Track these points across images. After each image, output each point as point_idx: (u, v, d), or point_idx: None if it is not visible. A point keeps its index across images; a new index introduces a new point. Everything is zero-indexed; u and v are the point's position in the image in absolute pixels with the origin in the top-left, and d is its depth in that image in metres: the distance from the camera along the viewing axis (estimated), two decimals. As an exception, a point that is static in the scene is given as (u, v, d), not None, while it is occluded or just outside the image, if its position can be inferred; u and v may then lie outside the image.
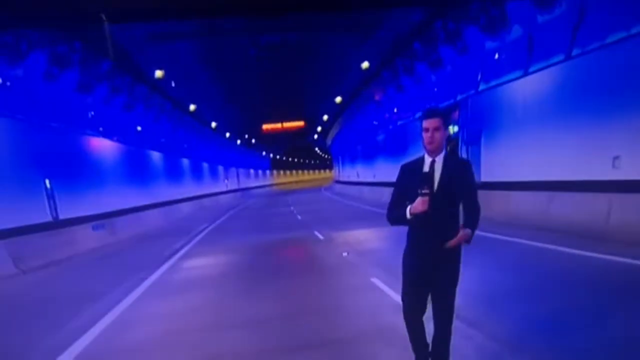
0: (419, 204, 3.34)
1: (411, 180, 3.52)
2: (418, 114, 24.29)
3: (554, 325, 5.14)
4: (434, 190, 3.42)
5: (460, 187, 3.48)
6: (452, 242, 3.38)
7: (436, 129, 3.44)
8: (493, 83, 16.38)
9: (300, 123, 49.46)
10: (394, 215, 3.68)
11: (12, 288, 10.62)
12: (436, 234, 3.44)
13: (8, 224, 12.66)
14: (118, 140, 23.46)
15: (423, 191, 3.31)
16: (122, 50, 19.39)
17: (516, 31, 14.64)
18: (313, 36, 23.07)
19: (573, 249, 8.90)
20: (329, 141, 62.71)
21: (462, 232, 3.40)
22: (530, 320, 5.32)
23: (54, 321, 7.21)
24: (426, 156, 3.57)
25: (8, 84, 14.73)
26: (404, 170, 3.72)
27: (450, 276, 3.58)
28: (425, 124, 3.47)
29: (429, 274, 3.56)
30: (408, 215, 3.45)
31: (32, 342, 6.30)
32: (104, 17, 10.28)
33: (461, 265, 3.63)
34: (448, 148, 3.92)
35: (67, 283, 10.80)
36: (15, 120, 14.87)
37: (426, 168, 3.51)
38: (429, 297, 3.69)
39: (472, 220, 3.53)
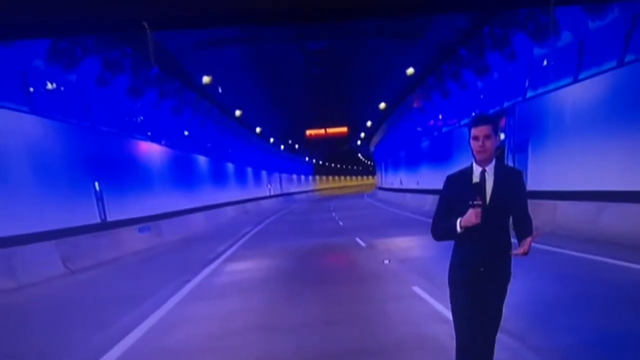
0: (471, 216, 3.11)
1: (459, 191, 3.28)
2: (464, 121, 24.05)
3: (599, 340, 4.98)
4: (486, 202, 3.19)
5: (512, 198, 3.26)
6: (520, 251, 3.15)
7: (487, 136, 3.17)
8: (541, 90, 16.04)
9: (344, 129, 49.59)
10: (441, 229, 3.42)
11: (60, 287, 10.91)
12: (488, 247, 3.22)
13: (58, 224, 13.06)
14: (165, 145, 24.06)
15: (475, 202, 3.09)
16: (171, 56, 19.93)
17: (566, 37, 14.31)
18: (359, 42, 23.15)
19: (622, 261, 8.63)
20: (372, 147, 62.51)
21: (529, 239, 3.17)
22: (575, 334, 5.18)
23: (100, 320, 7.39)
24: (475, 166, 3.30)
25: (62, 88, 15.30)
26: (451, 181, 3.44)
27: (501, 289, 3.36)
28: (475, 131, 3.20)
29: (479, 288, 3.30)
30: (458, 229, 3.20)
31: (79, 340, 6.46)
32: (145, 25, 10.55)
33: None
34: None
35: (113, 284, 11.09)
36: (68, 124, 15.43)
37: (476, 178, 3.26)
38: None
39: (528, 230, 3.30)
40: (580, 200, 12.59)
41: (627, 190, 11.07)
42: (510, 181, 3.28)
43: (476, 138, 3.20)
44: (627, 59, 11.85)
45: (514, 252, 3.15)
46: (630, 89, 11.55)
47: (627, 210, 10.86)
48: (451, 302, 3.42)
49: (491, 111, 19.54)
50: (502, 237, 3.25)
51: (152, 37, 11.83)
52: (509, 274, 3.34)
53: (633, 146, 11.20)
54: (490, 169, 3.25)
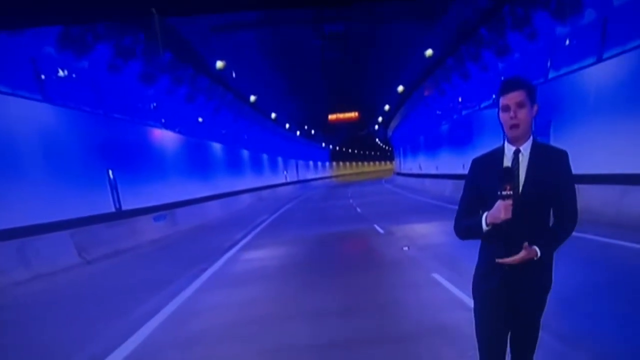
0: (499, 210, 2.50)
1: (487, 179, 2.65)
2: (485, 104, 23.63)
3: (623, 326, 4.82)
4: (519, 191, 2.57)
5: (552, 187, 2.58)
6: (505, 260, 2.56)
7: (520, 104, 2.53)
8: (563, 71, 15.58)
9: (361, 114, 49.28)
10: (465, 226, 2.83)
11: (76, 277, 10.93)
12: (522, 249, 2.53)
13: (73, 214, 13.06)
14: (179, 132, 24.03)
15: (504, 192, 2.48)
16: (184, 42, 19.78)
17: (589, 15, 13.83)
18: (377, 25, 22.79)
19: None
20: (390, 132, 62.10)
21: (525, 252, 2.52)
22: (600, 320, 5.02)
23: (117, 310, 7.40)
24: (507, 145, 2.68)
25: (74, 75, 15.23)
26: (477, 165, 2.83)
27: (538, 300, 2.73)
28: (505, 99, 2.57)
29: (510, 301, 2.69)
30: (484, 226, 2.61)
31: (94, 330, 6.46)
32: (154, 11, 10.39)
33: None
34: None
35: (129, 273, 11.09)
36: (81, 112, 15.39)
37: (507, 162, 2.64)
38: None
39: (557, 233, 2.66)
40: (605, 183, 12.24)
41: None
42: (552, 164, 2.60)
43: (506, 108, 2.57)
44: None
45: (499, 259, 2.58)
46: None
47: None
48: (475, 316, 2.86)
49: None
50: (541, 236, 2.58)
51: (160, 23, 11.68)
52: (549, 281, 2.72)
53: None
54: (526, 149, 2.63)
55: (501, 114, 2.61)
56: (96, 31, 15.05)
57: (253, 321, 6.30)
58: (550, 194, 2.57)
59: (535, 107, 2.58)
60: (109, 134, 16.71)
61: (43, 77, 13.86)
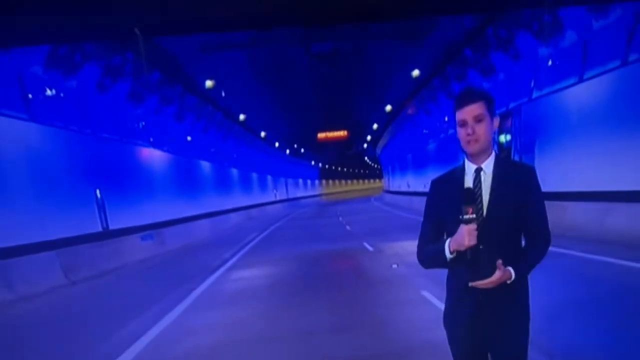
0: (462, 236, 2.22)
1: (448, 201, 2.40)
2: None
3: (610, 341, 4.92)
4: (483, 214, 2.30)
5: (521, 206, 2.31)
6: (478, 283, 2.27)
7: (477, 118, 2.28)
8: (547, 90, 15.93)
9: (349, 132, 49.54)
10: (428, 254, 2.54)
11: (61, 298, 10.75)
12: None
13: (59, 234, 12.91)
14: (168, 151, 23.97)
15: (466, 216, 2.21)
16: (173, 61, 19.91)
17: (570, 37, 14.21)
18: (365, 45, 23.12)
19: (631, 261, 8.52)
20: (378, 150, 62.43)
21: (500, 272, 2.22)
22: (586, 336, 5.12)
23: (102, 331, 7.28)
24: (467, 163, 2.42)
25: (62, 95, 15.19)
26: (437, 186, 2.59)
27: (517, 337, 2.40)
28: (461, 114, 2.31)
29: (486, 332, 2.40)
30: (448, 254, 2.32)
31: (78, 353, 6.38)
32: (137, 32, 10.51)
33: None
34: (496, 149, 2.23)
35: (115, 294, 10.98)
36: (68, 131, 15.30)
37: (469, 181, 2.38)
38: None
39: (530, 254, 2.39)
40: (589, 200, 12.49)
41: (634, 190, 10.96)
42: (518, 182, 2.34)
43: (463, 123, 2.31)
44: (630, 58, 11.77)
45: (472, 283, 2.30)
46: (634, 88, 11.47)
47: (635, 210, 10.74)
48: (451, 349, 2.59)
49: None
50: (512, 261, 2.28)
51: (144, 43, 11.77)
52: (527, 311, 2.41)
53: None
54: (488, 167, 2.36)
55: (458, 130, 2.36)
56: (85, 51, 15.09)
57: (242, 341, 6.28)
58: (518, 215, 2.31)
59: (496, 121, 2.36)
60: (96, 153, 16.63)
61: (30, 96, 13.85)
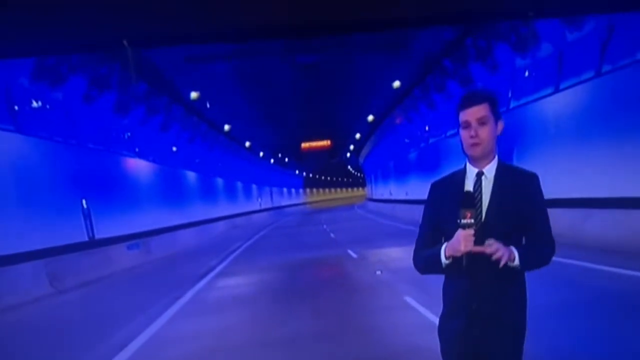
0: (458, 241, 2.13)
1: (447, 204, 2.30)
2: (450, 132, 24.37)
3: (590, 344, 5.13)
4: (482, 219, 2.22)
5: (522, 213, 2.23)
6: (475, 248, 2.12)
7: (481, 121, 2.20)
8: (524, 100, 16.34)
9: (332, 142, 49.84)
10: (423, 259, 2.45)
11: (47, 308, 10.74)
12: (489, 286, 2.20)
13: (46, 243, 12.90)
14: (154, 161, 24.02)
15: (464, 221, 2.13)
16: (159, 72, 20.01)
17: (546, 49, 14.62)
18: (347, 56, 23.44)
19: (609, 266, 8.81)
20: (361, 159, 62.77)
21: (505, 247, 2.12)
22: (563, 338, 5.32)
23: (88, 341, 7.28)
24: (469, 167, 2.34)
25: (48, 106, 15.24)
26: (436, 189, 2.47)
27: (511, 347, 2.32)
28: (465, 115, 2.24)
29: (479, 345, 2.29)
30: (444, 259, 2.24)
31: None
32: (125, 44, 10.63)
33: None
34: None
35: (102, 302, 11.00)
36: (54, 142, 15.35)
37: (469, 185, 2.31)
38: None
39: (533, 252, 2.27)
40: (566, 207, 12.82)
41: (611, 197, 11.31)
42: (520, 188, 2.27)
43: (466, 125, 2.23)
44: (604, 69, 12.17)
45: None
46: (608, 98, 11.86)
47: (612, 216, 11.09)
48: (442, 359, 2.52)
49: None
50: (510, 271, 2.18)
51: (133, 55, 11.87)
52: (523, 324, 2.33)
53: (615, 153, 11.47)
54: (490, 171, 2.29)
55: (461, 132, 2.27)
56: (71, 62, 15.15)
57: (228, 349, 6.32)
58: (518, 222, 2.23)
59: (500, 124, 2.28)
60: (82, 163, 16.66)
61: (16, 107, 13.89)
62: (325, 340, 6.33)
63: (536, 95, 15.40)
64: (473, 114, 2.20)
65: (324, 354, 5.77)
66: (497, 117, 2.24)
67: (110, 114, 18.90)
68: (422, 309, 7.09)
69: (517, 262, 2.14)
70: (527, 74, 16.14)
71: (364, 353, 5.68)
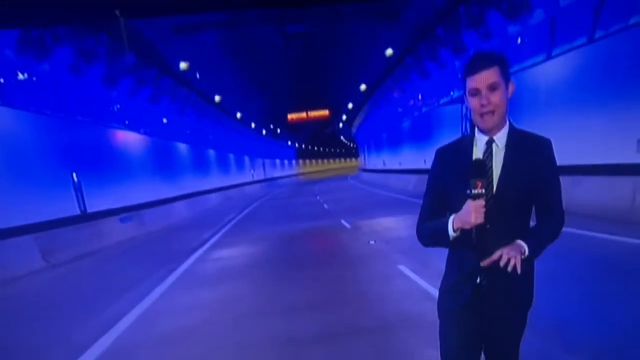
0: (468, 213, 2.00)
1: (454, 173, 2.17)
2: (443, 100, 24.28)
3: (578, 308, 5.19)
4: (494, 189, 2.09)
5: (534, 182, 2.10)
6: (486, 262, 2.05)
7: (492, 87, 2.03)
8: (516, 67, 16.25)
9: (325, 112, 49.64)
10: (428, 231, 2.29)
11: (41, 282, 10.74)
12: (495, 261, 2.01)
13: (37, 217, 12.91)
14: (144, 133, 23.88)
15: (475, 191, 2.00)
16: (147, 43, 19.74)
17: (538, 15, 14.51)
18: (338, 24, 23.18)
19: (596, 232, 8.91)
20: (354, 129, 62.69)
21: (512, 246, 2.01)
22: (554, 307, 5.35)
23: (82, 314, 7.31)
24: (478, 134, 2.18)
25: (34, 79, 15.05)
26: (442, 157, 2.30)
27: (517, 320, 2.25)
28: (473, 82, 2.04)
29: (484, 321, 2.22)
30: (451, 232, 2.10)
31: (61, 335, 6.40)
32: (118, 14, 10.44)
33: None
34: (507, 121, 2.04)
35: (96, 275, 11.04)
36: (42, 115, 15.19)
37: (479, 153, 2.15)
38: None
39: (542, 234, 2.15)
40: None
41: (601, 164, 11.39)
42: (532, 156, 2.12)
43: (476, 92, 2.05)
44: (596, 35, 12.08)
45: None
46: (600, 64, 11.81)
47: (602, 183, 11.17)
48: (440, 339, 2.37)
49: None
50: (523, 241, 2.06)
51: (125, 25, 11.69)
52: (530, 297, 2.24)
53: (605, 121, 11.49)
54: (501, 139, 2.14)
55: (469, 100, 2.09)
56: (56, 33, 14.88)
57: (224, 319, 6.36)
58: (530, 192, 2.11)
59: (511, 86, 2.13)
60: (71, 136, 16.51)
61: (2, 80, 13.69)
62: (320, 309, 6.38)
63: (528, 63, 15.32)
64: (483, 80, 2.02)
65: (320, 323, 5.81)
66: (507, 79, 2.09)
67: (99, 86, 18.69)
68: (416, 277, 7.17)
69: (527, 253, 2.02)
70: (519, 41, 16.03)
71: (358, 321, 5.73)
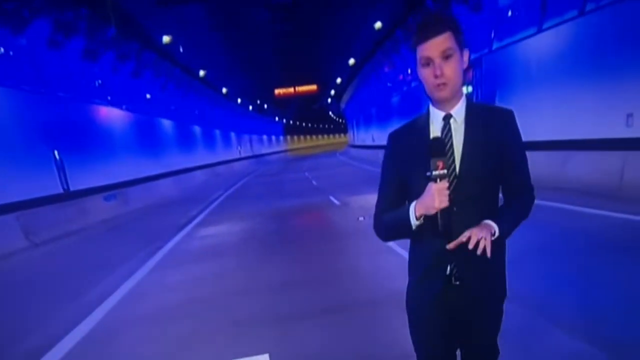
0: (431, 197, 1.81)
1: (411, 156, 2.00)
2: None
3: (567, 282, 5.16)
4: (456, 169, 1.90)
5: (499, 157, 1.92)
6: (452, 244, 1.86)
7: (445, 54, 1.83)
8: (507, 41, 16.08)
9: (313, 87, 49.30)
10: (387, 223, 2.10)
11: (23, 261, 10.58)
12: (464, 246, 1.82)
13: (18, 196, 12.62)
14: (127, 109, 23.45)
15: (436, 172, 1.81)
16: (129, 16, 19.26)
17: (530, -13, 14.31)
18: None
19: (586, 207, 8.91)
20: (342, 105, 62.37)
21: (480, 227, 1.84)
22: (548, 279, 5.36)
23: (68, 294, 7.22)
24: (432, 110, 2.00)
25: (11, 53, 14.58)
26: (395, 140, 2.14)
27: (490, 312, 2.09)
28: (424, 50, 1.84)
29: (455, 313, 2.05)
30: (413, 220, 1.90)
31: (47, 314, 6.31)
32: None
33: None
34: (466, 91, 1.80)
35: (80, 254, 10.89)
36: (21, 91, 14.74)
37: (436, 131, 1.96)
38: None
39: (512, 212, 1.99)
40: (548, 150, 12.84)
41: (592, 139, 11.33)
42: (494, 129, 1.93)
43: (427, 61, 1.85)
44: (587, 8, 11.93)
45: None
46: (591, 38, 11.67)
47: (592, 158, 11.13)
48: (411, 334, 2.22)
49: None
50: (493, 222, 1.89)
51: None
52: (503, 286, 2.09)
53: (596, 95, 11.40)
54: (459, 113, 1.95)
55: (421, 70, 1.89)
56: (33, 5, 14.38)
57: (212, 297, 6.32)
58: (496, 168, 1.93)
59: (466, 54, 1.92)
60: (52, 113, 16.09)
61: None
62: (309, 285, 6.38)
63: (519, 36, 15.14)
64: (435, 47, 1.81)
65: (309, 299, 5.80)
66: (462, 46, 1.88)
67: (80, 61, 18.21)
68: (403, 252, 7.06)
69: (497, 234, 1.85)
70: (510, 14, 15.82)
71: (347, 297, 5.74)
